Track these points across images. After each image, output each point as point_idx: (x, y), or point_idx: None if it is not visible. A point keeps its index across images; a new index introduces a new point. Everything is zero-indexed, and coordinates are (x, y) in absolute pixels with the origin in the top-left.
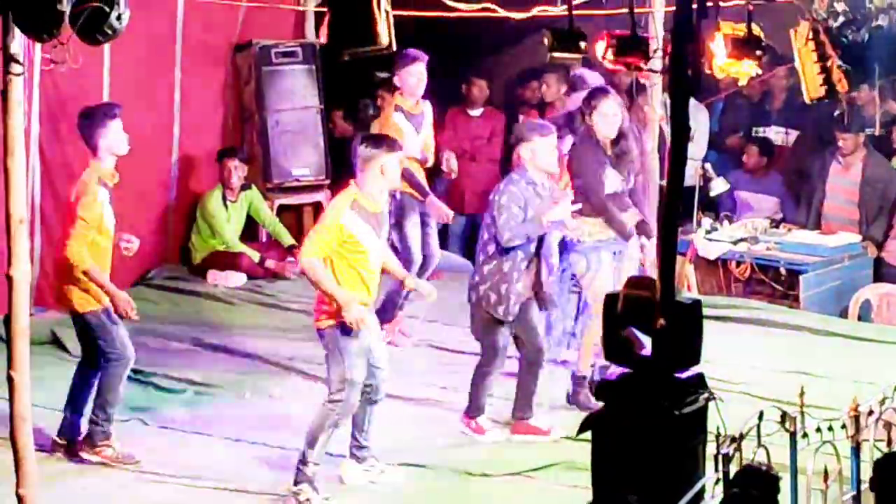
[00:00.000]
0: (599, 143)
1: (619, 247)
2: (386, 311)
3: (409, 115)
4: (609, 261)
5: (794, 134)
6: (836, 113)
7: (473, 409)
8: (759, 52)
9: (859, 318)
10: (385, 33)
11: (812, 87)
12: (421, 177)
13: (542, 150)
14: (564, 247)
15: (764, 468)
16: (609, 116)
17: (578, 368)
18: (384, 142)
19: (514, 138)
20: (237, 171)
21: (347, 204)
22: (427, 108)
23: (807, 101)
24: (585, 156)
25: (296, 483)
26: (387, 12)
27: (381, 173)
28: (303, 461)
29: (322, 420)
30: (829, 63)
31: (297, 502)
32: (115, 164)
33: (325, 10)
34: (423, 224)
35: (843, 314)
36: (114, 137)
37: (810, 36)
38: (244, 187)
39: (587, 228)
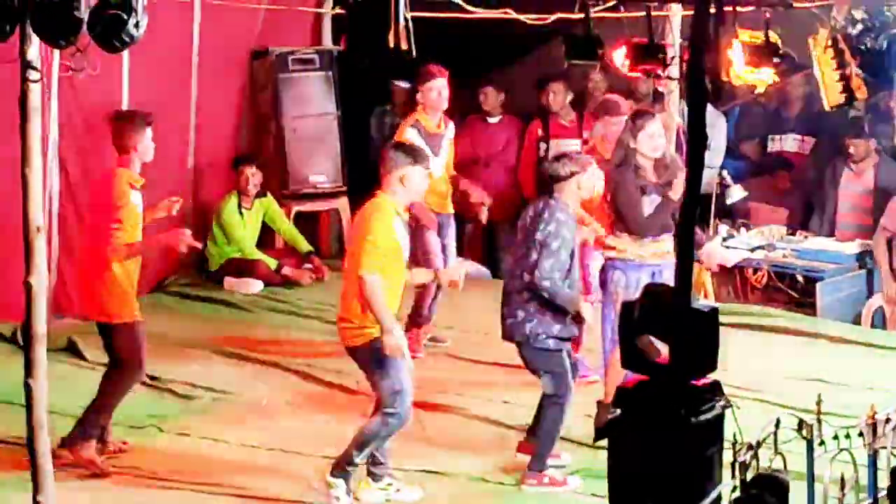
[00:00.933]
0: (639, 167)
1: (657, 267)
2: (413, 319)
3: (427, 133)
4: (646, 281)
5: (810, 141)
6: (851, 115)
7: (542, 461)
8: (776, 60)
9: (872, 325)
10: (405, 40)
11: (831, 95)
12: (443, 193)
13: (588, 181)
14: (603, 265)
15: (773, 474)
16: (655, 137)
17: (606, 396)
18: (411, 153)
19: (567, 171)
20: (253, 177)
21: (393, 216)
22: (451, 128)
23: (826, 108)
24: (625, 183)
25: (332, 475)
26: (406, 19)
27: (402, 184)
28: (348, 461)
29: (377, 430)
30: (847, 70)
31: (326, 493)
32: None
33: (343, 16)
34: (442, 239)
35: (857, 321)
36: (147, 144)
37: (829, 43)
38: (259, 195)
39: (628, 248)
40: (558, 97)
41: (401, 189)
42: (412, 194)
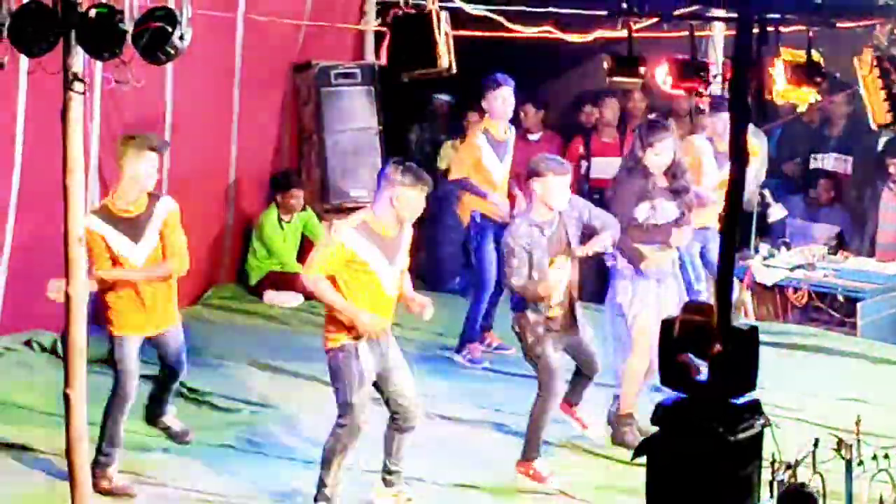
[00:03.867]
0: (649, 174)
1: (662, 275)
2: (469, 331)
3: (494, 140)
4: (654, 290)
5: (852, 161)
6: (885, 139)
7: (531, 450)
8: (818, 79)
9: None
10: (445, 56)
11: (878, 114)
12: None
13: (554, 188)
14: (609, 274)
15: (800, 487)
16: (662, 154)
17: (619, 406)
18: (408, 172)
19: (528, 171)
20: (300, 199)
21: (353, 224)
22: (513, 133)
23: (873, 127)
24: (625, 186)
25: (315, 501)
26: (447, 35)
27: (391, 202)
28: (321, 482)
29: (332, 443)
30: (894, 90)
31: None
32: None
33: (385, 31)
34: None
35: None
36: (139, 170)
37: (874, 63)
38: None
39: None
40: (611, 112)
41: (389, 207)
42: (402, 214)
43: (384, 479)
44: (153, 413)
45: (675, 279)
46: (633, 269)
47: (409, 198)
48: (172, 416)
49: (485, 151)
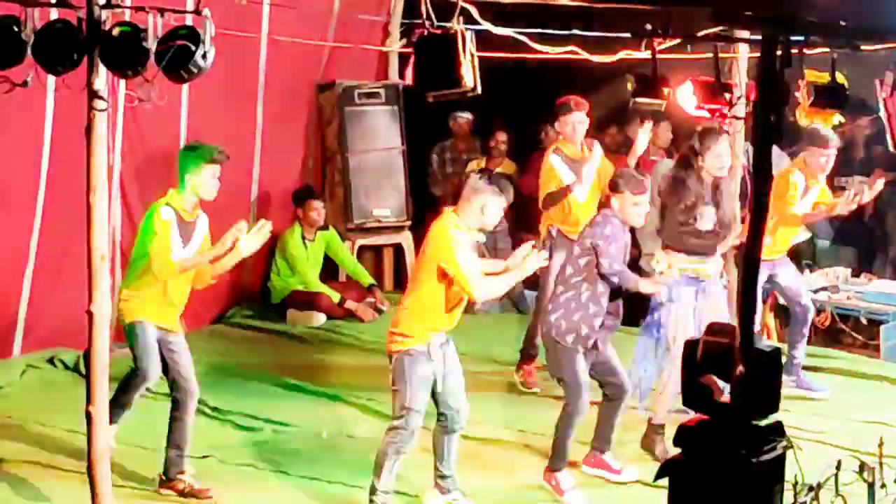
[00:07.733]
0: (703, 180)
1: (702, 284)
2: (527, 350)
3: (569, 159)
4: (691, 297)
5: None
6: None
7: (556, 461)
8: (842, 101)
9: None
10: (470, 76)
11: None
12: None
13: (630, 206)
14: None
15: None
16: (722, 157)
17: (655, 416)
18: (496, 184)
19: (609, 185)
20: (320, 211)
21: (456, 230)
22: (596, 151)
23: (891, 150)
24: (687, 185)
25: None
26: (472, 55)
27: (481, 211)
28: (372, 490)
29: (384, 447)
30: None
31: None
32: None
33: (409, 51)
34: None
35: None
36: (201, 180)
37: (894, 86)
38: (321, 228)
39: (670, 261)
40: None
41: (477, 215)
42: (486, 222)
43: (438, 485)
44: (173, 467)
45: (718, 287)
46: (673, 275)
47: (496, 208)
48: (190, 474)
49: (562, 171)
